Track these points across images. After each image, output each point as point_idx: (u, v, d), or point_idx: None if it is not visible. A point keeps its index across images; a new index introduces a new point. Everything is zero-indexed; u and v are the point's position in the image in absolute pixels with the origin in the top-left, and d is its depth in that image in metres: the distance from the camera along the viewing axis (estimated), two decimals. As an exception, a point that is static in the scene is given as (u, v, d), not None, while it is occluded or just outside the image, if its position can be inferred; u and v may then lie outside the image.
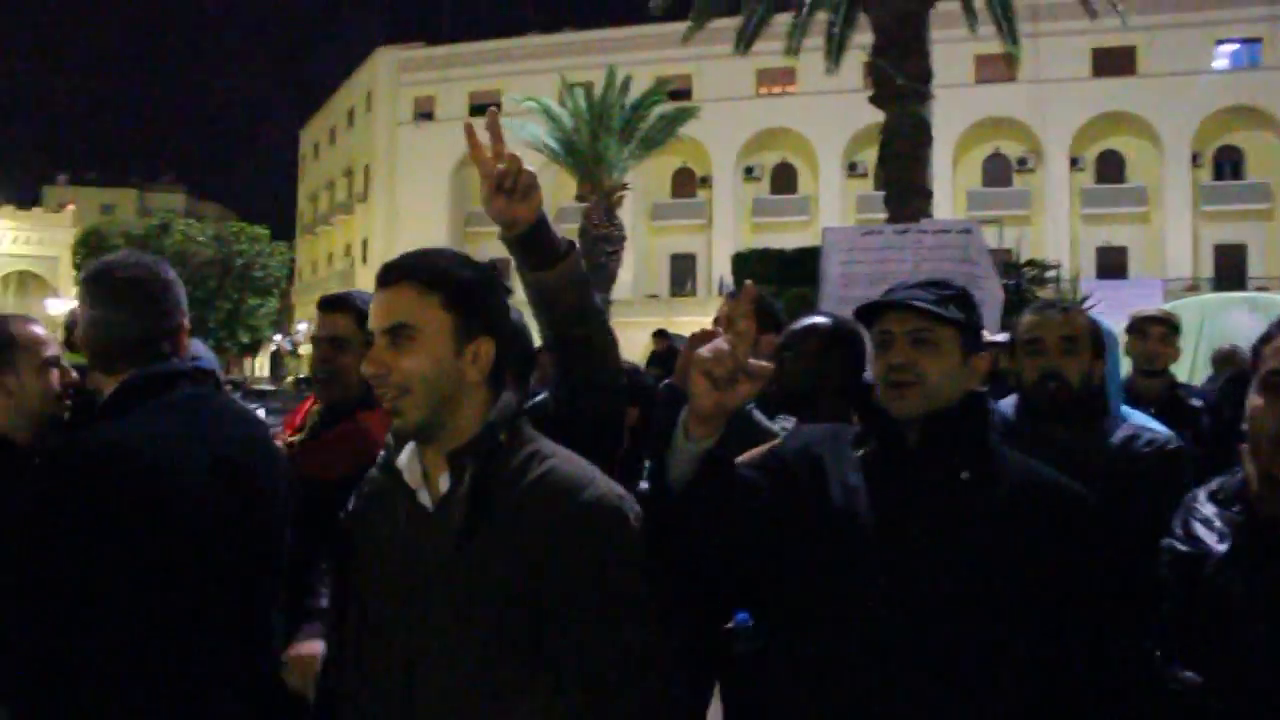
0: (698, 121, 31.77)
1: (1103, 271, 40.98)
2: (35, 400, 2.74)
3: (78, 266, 42.00)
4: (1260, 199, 43.64)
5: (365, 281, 54.01)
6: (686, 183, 49.36)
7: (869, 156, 47.09)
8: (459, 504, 1.84)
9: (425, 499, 1.90)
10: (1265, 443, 2.00)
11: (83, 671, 2.04)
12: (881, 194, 43.47)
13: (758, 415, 3.78)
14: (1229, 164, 45.18)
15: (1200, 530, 2.13)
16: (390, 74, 53.78)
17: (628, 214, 32.31)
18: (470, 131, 2.29)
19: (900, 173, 14.48)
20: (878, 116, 45.74)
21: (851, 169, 47.46)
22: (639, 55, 41.74)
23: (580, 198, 29.00)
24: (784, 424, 3.78)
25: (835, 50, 19.43)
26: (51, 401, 2.77)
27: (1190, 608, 2.07)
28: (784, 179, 49.37)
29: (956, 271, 10.28)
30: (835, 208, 46.49)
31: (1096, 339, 3.18)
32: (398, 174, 52.85)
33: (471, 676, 1.78)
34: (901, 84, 14.12)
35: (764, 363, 1.94)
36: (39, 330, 2.83)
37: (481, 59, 51.91)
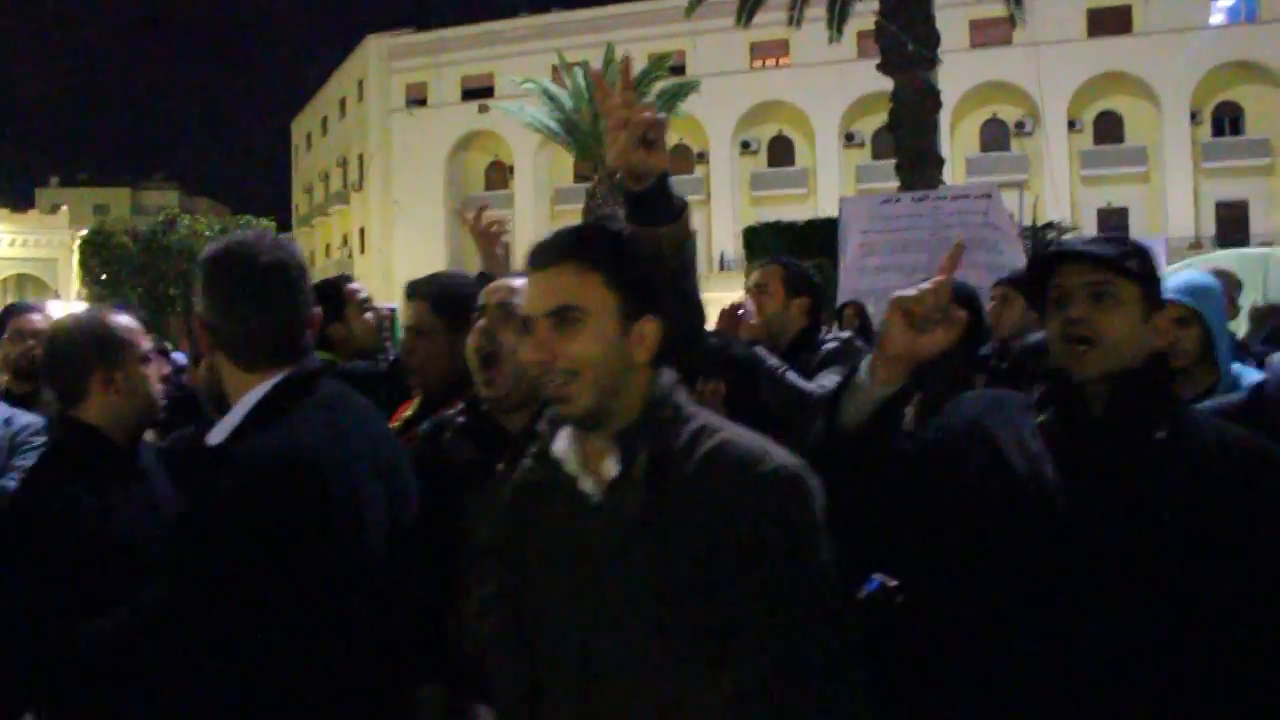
0: (693, 97, 31.60)
1: (1104, 232, 40.79)
2: (140, 397, 2.66)
3: (84, 266, 41.76)
4: (1260, 154, 43.41)
5: (363, 271, 53.89)
6: (683, 159, 49.01)
7: (866, 126, 47.14)
8: (632, 488, 1.73)
9: (589, 486, 1.79)
10: None
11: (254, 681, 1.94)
12: (880, 163, 43.55)
13: (791, 376, 3.65)
14: (1228, 120, 44.93)
15: None
16: (381, 61, 53.41)
17: (628, 193, 32.07)
18: (599, 81, 2.24)
19: (911, 140, 14.34)
20: (874, 86, 45.66)
21: (849, 139, 47.26)
22: (631, 32, 41.49)
23: (581, 178, 28.80)
24: (823, 381, 3.68)
25: (837, 19, 19.25)
26: (152, 399, 2.70)
27: None
28: (781, 152, 49.13)
29: (979, 236, 10.20)
30: (834, 179, 46.29)
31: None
32: (392, 162, 52.63)
33: (652, 665, 1.68)
34: (912, 50, 13.94)
35: (961, 311, 1.90)
36: (134, 323, 2.73)
37: (473, 43, 51.63)
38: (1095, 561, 1.88)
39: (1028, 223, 16.93)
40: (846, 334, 4.76)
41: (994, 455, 2.03)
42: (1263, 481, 1.91)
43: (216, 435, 2.07)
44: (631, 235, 1.91)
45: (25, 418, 4.11)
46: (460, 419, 2.61)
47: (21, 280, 59.07)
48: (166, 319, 40.49)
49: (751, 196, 48.09)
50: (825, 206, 44.88)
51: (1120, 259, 1.99)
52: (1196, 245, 40.32)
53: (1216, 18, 44.60)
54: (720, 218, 48.05)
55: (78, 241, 58.67)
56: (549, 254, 1.79)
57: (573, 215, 47.59)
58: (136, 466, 2.66)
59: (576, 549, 1.76)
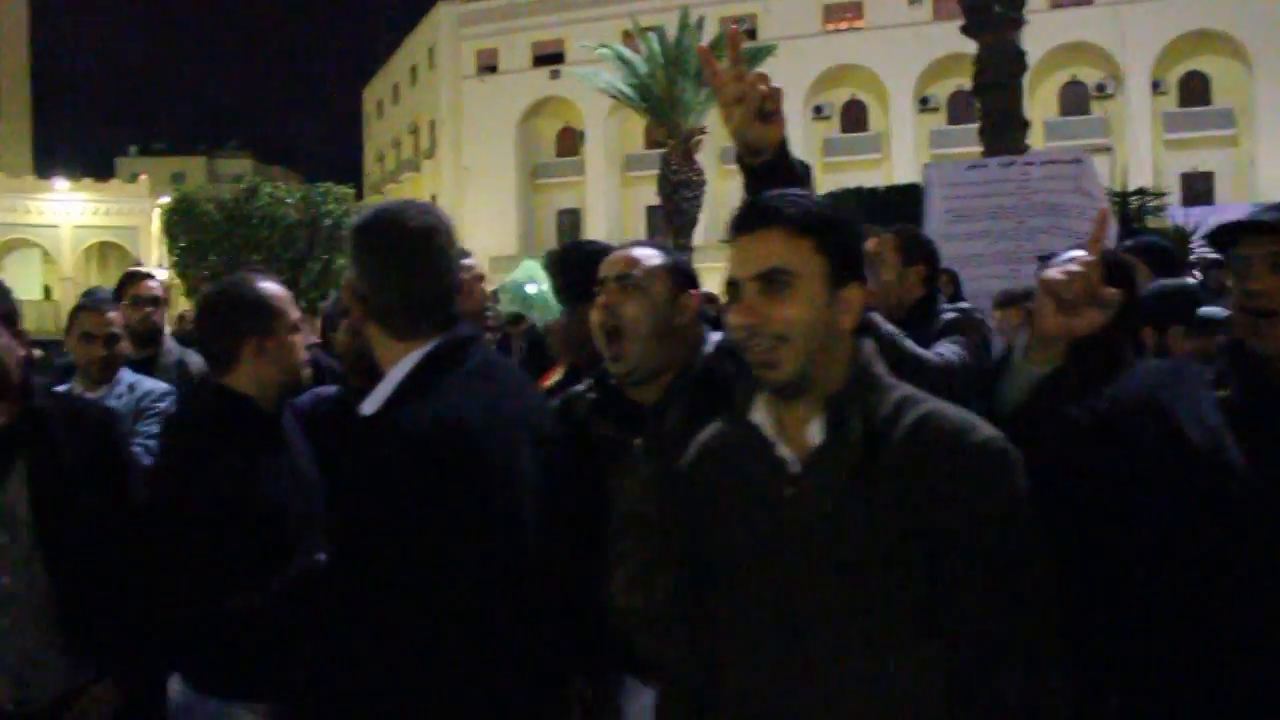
0: (764, 61, 31.17)
1: (1189, 199, 39.55)
2: (288, 366, 2.68)
3: (169, 234, 42.34)
4: (1365, 115, 41.80)
5: (436, 238, 54.63)
6: (755, 125, 48.77)
7: (941, 90, 46.36)
8: (838, 457, 1.69)
9: (787, 454, 1.75)
10: None
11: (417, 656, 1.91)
12: (955, 128, 42.86)
13: (910, 344, 3.48)
14: (1326, 78, 43.32)
15: None
16: (451, 28, 53.45)
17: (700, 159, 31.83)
18: (708, 57, 2.10)
19: (996, 104, 13.88)
20: (950, 48, 44.94)
21: (923, 104, 46.48)
22: (702, -3, 40.97)
23: (656, 143, 28.59)
24: (940, 350, 3.50)
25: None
26: (298, 368, 2.71)
27: None
28: (854, 117, 48.48)
29: (1068, 203, 9.92)
30: (908, 144, 45.62)
31: None
32: (463, 129, 52.74)
33: (859, 634, 1.66)
34: (998, 11, 13.51)
35: (1114, 290, 1.85)
36: (283, 290, 2.74)
37: (543, 9, 51.41)
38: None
39: (1115, 189, 16.45)
40: (966, 304, 4.59)
41: (1171, 429, 1.96)
42: None
43: (370, 404, 2.02)
44: (836, 204, 1.87)
45: (148, 384, 4.17)
46: (591, 394, 2.56)
47: (104, 248, 60.28)
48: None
49: (824, 163, 47.43)
50: (900, 172, 44.28)
51: None
52: (1287, 211, 39.05)
53: (1313, -31, 43.03)
54: (793, 184, 47.67)
55: (156, 209, 59.80)
56: (759, 218, 1.75)
57: (644, 181, 47.47)
58: (280, 434, 2.68)
59: (775, 517, 1.72)
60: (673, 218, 26.50)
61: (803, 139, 47.48)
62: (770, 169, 2.05)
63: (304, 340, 2.72)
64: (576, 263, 3.03)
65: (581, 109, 49.79)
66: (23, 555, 2.65)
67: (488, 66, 52.85)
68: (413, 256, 2.07)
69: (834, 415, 1.71)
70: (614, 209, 50.05)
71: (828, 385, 1.73)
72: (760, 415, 1.80)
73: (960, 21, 14.70)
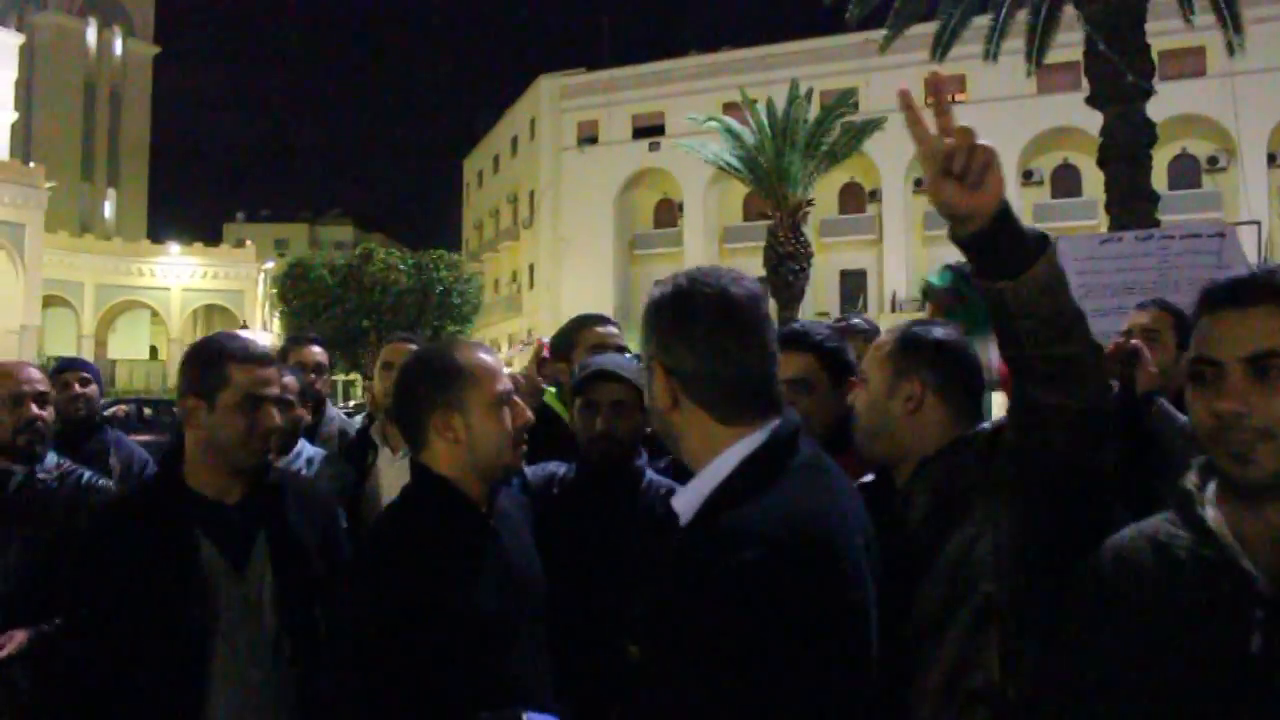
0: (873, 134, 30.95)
1: (1306, 274, 38.35)
2: (489, 445, 2.34)
3: (281, 299, 43.29)
4: None
5: (531, 307, 54.51)
6: (854, 197, 48.48)
7: (1045, 163, 45.80)
8: None
9: (1251, 568, 1.47)
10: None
11: None
12: (1058, 202, 42.19)
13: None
14: None
15: None
16: (553, 100, 54.47)
17: (797, 231, 31.63)
18: (909, 102, 1.77)
19: (1123, 176, 13.54)
20: (1054, 123, 44.32)
21: (1027, 177, 45.91)
22: (803, 70, 41.03)
23: (757, 215, 28.45)
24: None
25: (1037, 50, 18.45)
26: (507, 447, 2.37)
27: None
28: (953, 189, 48.01)
29: (1210, 279, 9.53)
30: (1011, 217, 45.03)
31: None
32: (562, 199, 53.46)
33: None
34: (1133, 80, 13.18)
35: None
36: (490, 359, 2.42)
37: (643, 81, 52.31)
38: None
39: (1262, 262, 15.89)
40: None
41: None
42: None
43: (688, 503, 1.74)
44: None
45: (310, 449, 4.08)
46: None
47: (210, 310, 62.05)
48: (358, 350, 41.94)
49: (925, 235, 47.12)
50: (1001, 245, 43.61)
51: None
52: None
53: None
54: (892, 257, 47.34)
55: (262, 274, 61.38)
56: (1252, 291, 1.53)
57: (743, 253, 47.50)
58: (489, 525, 2.37)
59: (1229, 643, 1.44)
60: (780, 290, 26.23)
61: (903, 211, 47.27)
62: (980, 241, 1.73)
63: (514, 419, 2.38)
64: (833, 345, 2.93)
65: (680, 181, 50.28)
66: (268, 645, 2.50)
67: (588, 138, 53.67)
68: (746, 328, 1.77)
69: None
70: (712, 280, 50.15)
71: None
72: (1215, 516, 1.53)
73: (1066, 94, 14.46)
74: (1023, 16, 18.47)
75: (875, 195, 48.14)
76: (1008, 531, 1.95)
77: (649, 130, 51.72)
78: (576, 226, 52.24)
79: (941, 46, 18.71)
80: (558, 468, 3.14)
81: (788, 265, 26.18)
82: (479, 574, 2.28)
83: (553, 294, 52.54)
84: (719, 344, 1.74)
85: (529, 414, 2.39)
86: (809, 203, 27.40)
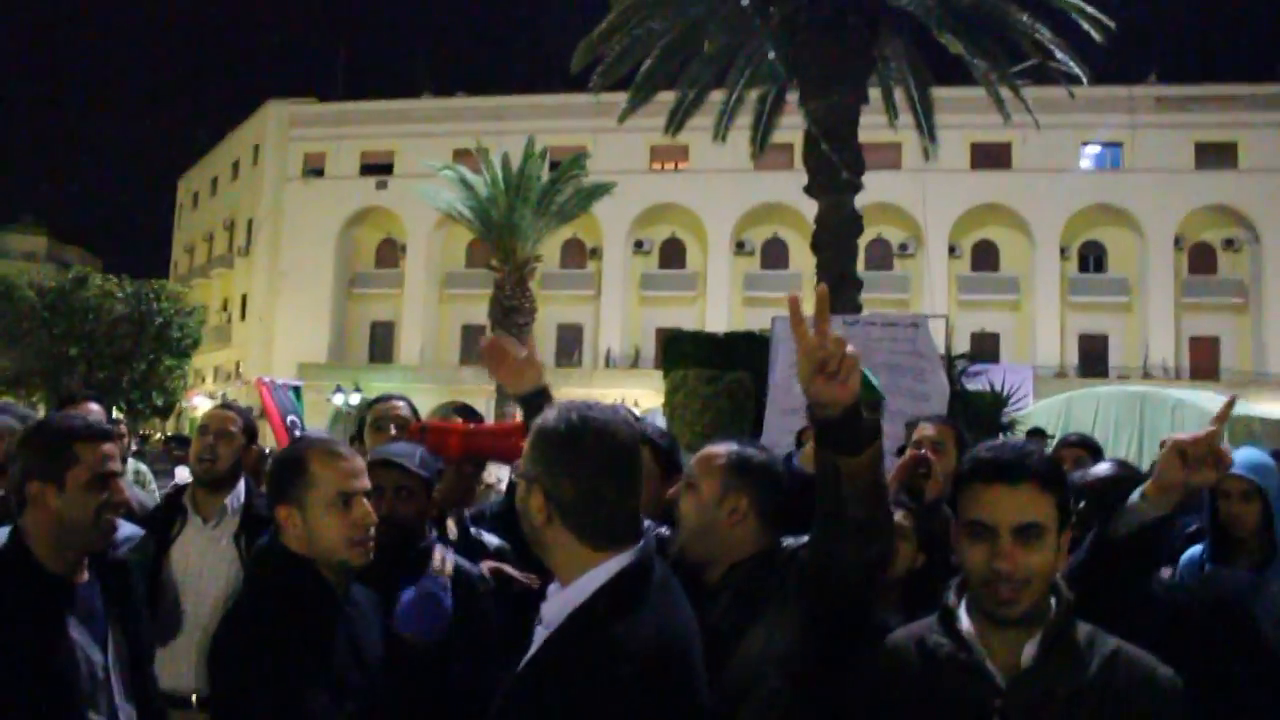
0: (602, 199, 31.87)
1: (977, 356, 42.21)
2: (324, 543, 2.55)
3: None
4: (1120, 292, 46.03)
5: (242, 339, 52.13)
6: (576, 253, 49.51)
7: (756, 235, 48.32)
8: (1045, 677, 2.00)
9: (994, 669, 2.04)
10: None
11: None
12: (768, 273, 44.39)
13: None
14: (1093, 258, 47.57)
15: None
16: (280, 127, 52.74)
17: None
18: (795, 307, 2.10)
19: (833, 262, 14.89)
20: (766, 197, 46.48)
21: (740, 247, 48.34)
22: (534, 124, 41.60)
23: (480, 264, 28.77)
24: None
25: (761, 136, 19.91)
26: (340, 547, 2.55)
27: None
28: (673, 254, 49.93)
29: (905, 364, 10.66)
30: (723, 284, 47.33)
31: None
32: (282, 229, 51.63)
33: None
34: (847, 177, 14.58)
35: (1229, 455, 2.26)
36: (339, 460, 2.60)
37: (375, 118, 51.44)
38: None
39: (942, 351, 17.65)
40: None
41: (1250, 632, 2.39)
42: None
43: (553, 614, 2.02)
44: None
45: (129, 529, 3.92)
46: None
47: None
48: (62, 378, 38.77)
49: (641, 296, 48.77)
50: (713, 312, 45.83)
51: None
52: (1061, 374, 42.36)
53: (1085, 162, 47.53)
54: (609, 315, 48.44)
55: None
56: (1017, 472, 2.06)
57: (464, 300, 47.53)
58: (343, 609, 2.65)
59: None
60: (502, 344, 26.67)
61: (622, 271, 48.63)
62: (833, 425, 2.09)
63: (357, 517, 2.58)
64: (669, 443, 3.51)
65: (405, 222, 49.64)
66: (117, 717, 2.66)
67: (314, 169, 52.25)
68: (626, 471, 2.06)
69: (1047, 643, 2.01)
70: (430, 325, 49.79)
71: (1039, 617, 2.05)
72: (968, 628, 2.07)
73: (780, 172, 15.80)
74: (752, 95, 19.88)
75: (596, 253, 49.19)
76: (794, 632, 2.35)
77: (378, 168, 50.94)
78: (295, 259, 50.57)
79: (676, 123, 19.82)
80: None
81: (513, 318, 26.74)
82: (334, 653, 2.52)
83: (265, 327, 50.68)
84: (599, 486, 2.02)
85: (372, 516, 2.60)
86: (537, 258, 28.02)
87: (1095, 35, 16.71)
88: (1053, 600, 2.06)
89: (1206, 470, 2.25)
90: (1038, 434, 11.74)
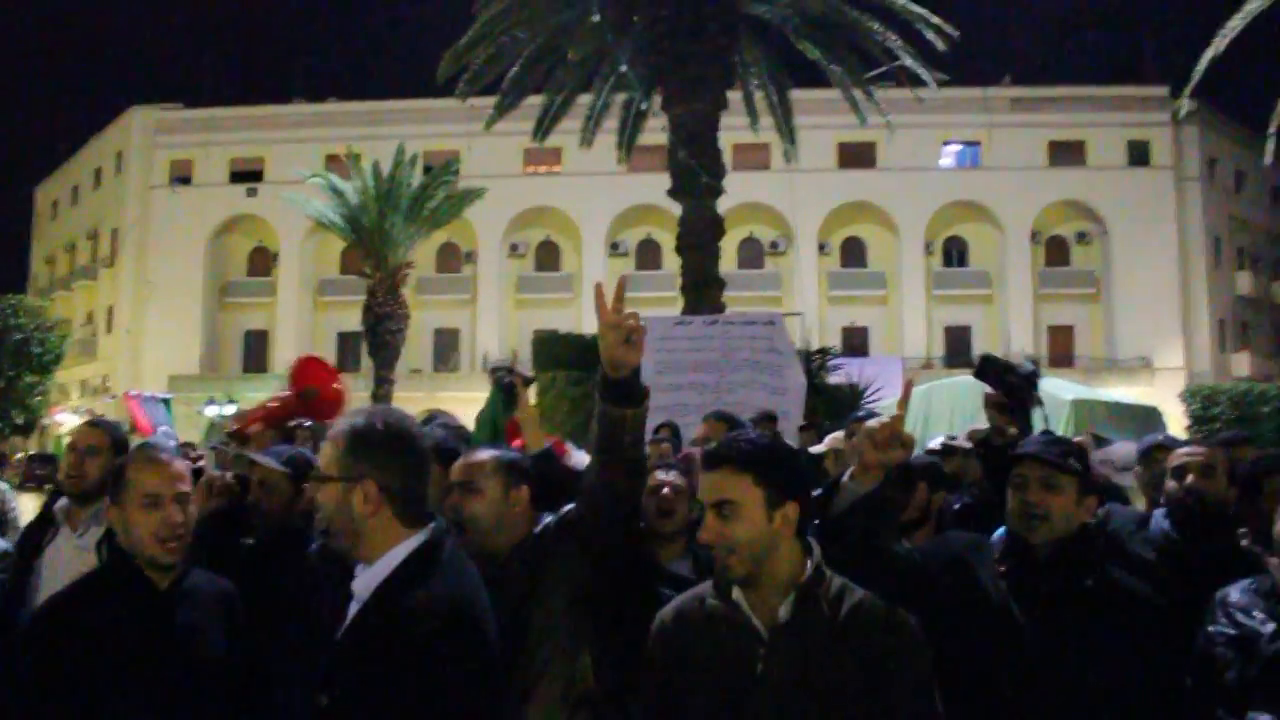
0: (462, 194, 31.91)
1: (848, 350, 43.49)
2: (138, 538, 2.86)
3: None
4: (982, 285, 47.88)
5: (109, 352, 50.51)
6: (451, 257, 49.34)
7: (631, 237, 48.78)
8: (802, 630, 2.38)
9: (759, 625, 2.42)
10: None
11: None
12: (643, 274, 44.93)
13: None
14: (956, 252, 49.41)
15: (1242, 618, 2.89)
16: (145, 134, 51.45)
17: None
18: (600, 292, 2.69)
19: (696, 263, 15.38)
20: (639, 199, 46.98)
21: (614, 248, 48.83)
22: (408, 129, 41.51)
23: (354, 270, 28.59)
24: None
25: (628, 139, 20.34)
26: (148, 544, 2.85)
27: (1247, 672, 2.82)
28: (548, 257, 50.25)
29: (763, 361, 11.21)
30: (598, 285, 47.63)
31: None
32: (149, 239, 50.34)
33: None
34: (707, 181, 15.08)
35: (910, 435, 2.72)
36: (164, 464, 2.94)
37: (244, 124, 50.45)
38: (1050, 675, 2.71)
39: (799, 347, 18.36)
40: None
41: (974, 584, 2.83)
42: (1146, 617, 2.85)
43: (365, 585, 2.40)
44: (775, 440, 2.68)
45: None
46: None
47: None
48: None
49: (517, 299, 48.94)
50: (589, 313, 46.03)
51: (1063, 459, 2.90)
52: (928, 365, 43.84)
53: (946, 160, 49.31)
54: (486, 319, 48.47)
55: None
56: (712, 460, 2.48)
57: (338, 307, 47.01)
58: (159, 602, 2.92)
59: (747, 672, 2.38)
60: (377, 349, 26.75)
61: (497, 275, 48.67)
62: (624, 384, 2.68)
63: (170, 519, 2.87)
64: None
65: (277, 229, 48.87)
66: None
67: (181, 177, 51.00)
68: (424, 459, 2.51)
69: (800, 599, 2.40)
70: (305, 333, 48.97)
71: (778, 577, 2.42)
72: (738, 593, 2.46)
73: (652, 174, 16.28)
74: (618, 100, 20.34)
75: (471, 257, 49.19)
76: (576, 585, 2.91)
77: (247, 175, 50.00)
78: (163, 269, 49.34)
79: (543, 130, 20.18)
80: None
81: (385, 325, 26.77)
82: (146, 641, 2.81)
83: (133, 339, 49.35)
84: (417, 471, 2.47)
85: (177, 517, 2.90)
86: (409, 265, 27.97)
87: (940, 44, 17.56)
88: (808, 562, 2.46)
89: (896, 450, 2.68)
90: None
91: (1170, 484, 3.85)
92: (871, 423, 2.76)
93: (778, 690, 2.34)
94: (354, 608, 2.40)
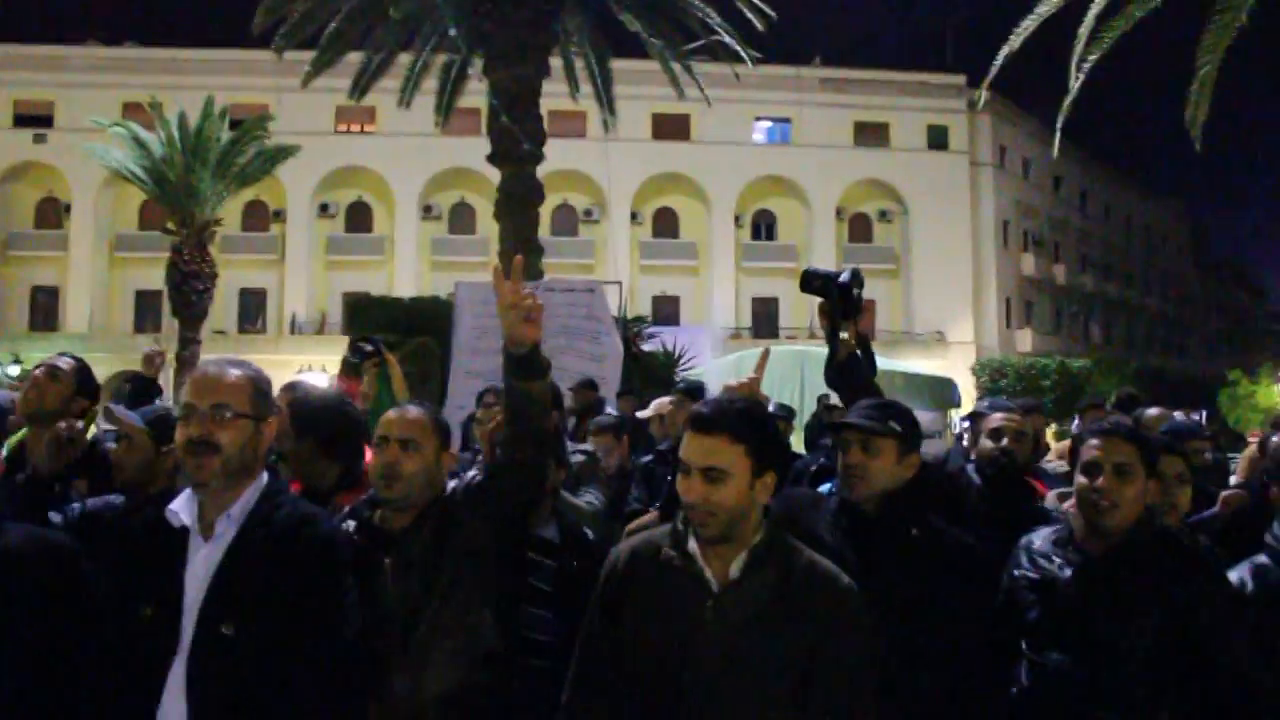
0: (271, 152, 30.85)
1: (658, 319, 44.15)
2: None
3: None
4: (788, 258, 49.25)
5: None
6: (259, 216, 47.53)
7: (444, 200, 48.18)
8: (753, 587, 2.56)
9: (711, 578, 2.60)
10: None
11: None
12: (455, 237, 44.46)
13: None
14: (764, 226, 50.82)
15: (1044, 563, 3.21)
16: (-85, 70, 47.47)
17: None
18: (498, 274, 2.91)
19: (516, 229, 15.49)
20: (454, 162, 46.30)
21: (427, 211, 48.16)
22: (214, 80, 39.46)
23: (155, 226, 27.26)
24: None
25: (446, 103, 20.17)
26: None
27: (1047, 612, 3.14)
28: (360, 218, 49.10)
29: (582, 327, 11.43)
30: (410, 249, 47.03)
31: None
32: (-79, 185, 46.69)
33: (753, 704, 2.51)
34: (529, 148, 15.17)
35: (768, 396, 3.08)
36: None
37: (31, 64, 46.77)
38: (882, 610, 2.91)
39: (616, 315, 18.66)
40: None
41: (814, 537, 3.02)
42: (964, 563, 3.15)
43: (233, 516, 2.74)
44: (765, 411, 2.88)
45: None
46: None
47: None
48: None
49: (327, 260, 47.68)
50: (401, 276, 45.49)
51: (883, 423, 3.13)
52: (736, 335, 45.04)
53: (758, 136, 50.57)
54: (294, 280, 47.00)
55: None
56: (709, 424, 2.59)
57: (137, 263, 44.69)
58: None
59: (695, 621, 2.56)
60: (182, 309, 25.70)
61: (307, 235, 47.27)
62: (525, 359, 2.91)
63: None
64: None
65: (69, 179, 45.79)
66: None
67: (-42, 119, 47.37)
68: None
69: (753, 559, 2.57)
70: (100, 290, 46.46)
71: (743, 538, 2.58)
72: (694, 546, 2.61)
73: (466, 138, 16.28)
74: (438, 61, 20.14)
75: (280, 215, 47.50)
76: (478, 548, 3.11)
77: (35, 120, 46.71)
78: (-63, 218, 45.94)
79: (360, 88, 19.80)
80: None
81: (191, 284, 25.73)
82: None
83: (-98, 297, 45.94)
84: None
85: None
86: (217, 221, 26.94)
87: (758, 23, 18.08)
88: (764, 524, 2.67)
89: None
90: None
91: (986, 443, 4.29)
92: (731, 382, 3.05)
93: (723, 641, 2.51)
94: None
